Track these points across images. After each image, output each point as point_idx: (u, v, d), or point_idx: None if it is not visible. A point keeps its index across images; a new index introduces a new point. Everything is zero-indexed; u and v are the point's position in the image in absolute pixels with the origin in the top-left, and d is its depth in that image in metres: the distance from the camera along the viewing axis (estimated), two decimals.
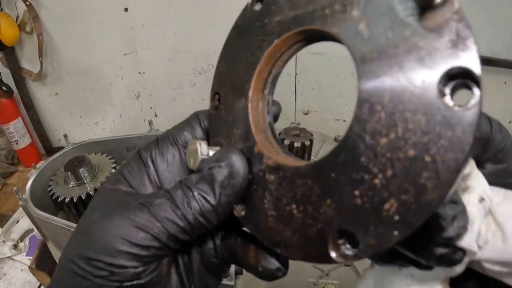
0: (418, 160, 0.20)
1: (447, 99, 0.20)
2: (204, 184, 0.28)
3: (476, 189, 0.28)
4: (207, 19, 1.28)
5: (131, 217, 0.28)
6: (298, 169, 0.26)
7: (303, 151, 0.75)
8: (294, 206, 0.26)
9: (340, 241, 0.24)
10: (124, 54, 1.38)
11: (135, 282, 0.28)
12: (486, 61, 1.34)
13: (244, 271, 0.70)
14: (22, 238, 1.29)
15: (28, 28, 1.38)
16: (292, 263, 0.31)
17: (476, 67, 0.19)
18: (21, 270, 1.21)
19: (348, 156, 0.23)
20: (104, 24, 1.33)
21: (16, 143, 1.53)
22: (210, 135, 0.33)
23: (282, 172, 0.27)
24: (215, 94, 0.33)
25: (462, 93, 0.20)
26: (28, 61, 1.44)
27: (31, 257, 1.21)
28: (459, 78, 0.20)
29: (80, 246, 0.29)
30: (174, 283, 0.33)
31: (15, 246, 1.26)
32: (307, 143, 0.74)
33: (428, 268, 0.30)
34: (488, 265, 0.30)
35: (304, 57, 1.34)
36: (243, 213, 0.30)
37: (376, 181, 0.21)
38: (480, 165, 0.32)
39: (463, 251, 0.28)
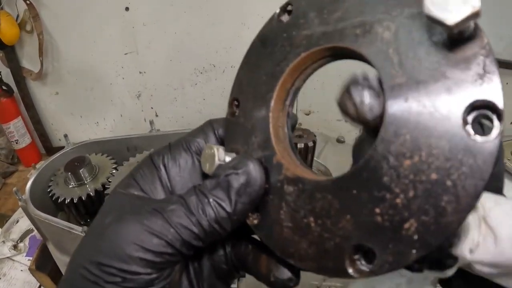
0: (440, 184, 0.21)
1: (469, 128, 0.21)
2: (220, 190, 0.28)
3: None
4: (209, 19, 1.27)
5: (144, 222, 0.27)
6: (318, 183, 0.26)
7: (306, 152, 0.74)
8: (312, 219, 0.26)
9: (356, 257, 0.24)
10: (125, 54, 1.37)
11: None
12: None
13: (246, 274, 0.69)
14: (22, 239, 1.29)
15: (28, 27, 1.37)
16: None
17: (499, 101, 0.20)
18: (21, 270, 1.20)
19: (370, 175, 0.23)
20: (105, 23, 1.32)
21: (16, 143, 1.52)
22: (226, 141, 0.33)
23: (301, 184, 0.27)
24: (234, 100, 0.33)
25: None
26: (29, 61, 1.43)
27: (31, 258, 1.20)
28: (482, 109, 0.21)
29: (92, 251, 0.28)
30: None
31: (15, 247, 1.25)
32: (310, 144, 0.74)
33: (419, 271, 0.31)
34: (479, 267, 0.31)
35: None
36: (255, 221, 0.30)
37: (398, 200, 0.22)
38: None
39: (455, 258, 0.29)
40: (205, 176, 0.31)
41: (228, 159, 0.30)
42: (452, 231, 0.21)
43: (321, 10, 0.28)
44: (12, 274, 1.20)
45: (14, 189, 0.90)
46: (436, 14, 0.20)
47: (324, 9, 0.28)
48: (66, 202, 0.89)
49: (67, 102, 1.52)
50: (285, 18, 0.31)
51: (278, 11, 0.31)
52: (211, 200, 0.28)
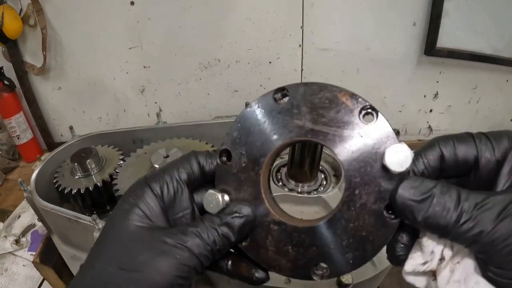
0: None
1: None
2: (227, 228, 0.40)
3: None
4: (214, 14, 1.28)
5: (177, 257, 0.37)
6: (296, 228, 0.40)
7: (315, 147, 0.74)
8: (290, 247, 0.40)
9: (317, 269, 0.40)
10: (129, 48, 1.37)
11: None
12: (488, 59, 1.35)
13: None
14: (23, 234, 1.28)
15: (31, 22, 1.37)
16: None
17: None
18: (23, 265, 1.19)
19: (330, 228, 0.39)
20: (110, 18, 1.32)
21: (18, 138, 1.51)
22: (217, 181, 0.44)
23: (284, 226, 0.40)
24: (225, 151, 0.43)
25: None
26: (31, 55, 1.42)
27: (33, 253, 1.19)
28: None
29: (131, 282, 0.36)
30: None
31: (17, 242, 1.24)
32: None
33: None
34: None
35: (310, 53, 1.34)
36: (244, 244, 0.42)
37: (344, 243, 0.38)
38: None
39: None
40: (203, 210, 0.42)
41: (226, 199, 0.42)
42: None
43: (312, 110, 0.38)
44: (14, 269, 1.19)
45: (19, 179, 0.89)
46: (389, 166, 0.34)
47: (314, 110, 0.38)
48: (72, 193, 0.88)
49: (70, 97, 1.51)
50: (278, 97, 0.40)
51: (274, 90, 0.40)
52: (220, 233, 0.39)
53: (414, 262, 0.37)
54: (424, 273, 0.38)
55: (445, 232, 0.33)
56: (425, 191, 0.33)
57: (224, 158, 0.43)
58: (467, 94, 1.48)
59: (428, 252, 0.37)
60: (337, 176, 0.88)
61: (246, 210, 0.41)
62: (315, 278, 0.40)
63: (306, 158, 0.75)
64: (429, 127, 1.57)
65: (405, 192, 0.33)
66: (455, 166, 0.37)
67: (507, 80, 1.45)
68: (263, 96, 0.41)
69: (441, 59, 1.36)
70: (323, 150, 0.90)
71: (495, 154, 0.35)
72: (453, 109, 1.52)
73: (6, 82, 1.43)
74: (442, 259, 0.37)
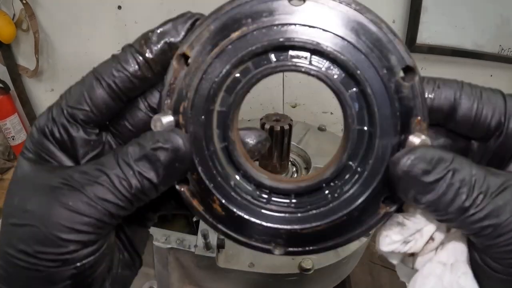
0: None
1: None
2: (147, 163, 0.28)
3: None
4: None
5: (70, 204, 0.27)
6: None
7: (283, 135, 0.79)
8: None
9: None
10: (118, 51, 1.41)
11: (89, 259, 0.29)
12: (470, 54, 1.36)
13: (226, 245, 0.74)
14: None
15: (24, 26, 1.42)
16: None
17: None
18: None
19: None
20: (99, 22, 1.37)
21: (13, 139, 1.56)
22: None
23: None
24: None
25: None
26: (25, 58, 1.48)
27: None
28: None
29: (23, 241, 0.28)
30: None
31: None
32: (286, 127, 0.78)
33: None
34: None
35: None
36: (184, 188, 0.31)
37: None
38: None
39: None
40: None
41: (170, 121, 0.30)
42: None
43: None
44: None
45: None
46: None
47: None
48: None
49: None
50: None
51: None
52: (136, 171, 0.28)
53: (391, 240, 0.31)
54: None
55: (450, 219, 0.27)
56: (439, 171, 0.26)
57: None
58: None
59: (411, 230, 0.30)
60: (308, 168, 0.93)
61: (175, 139, 0.28)
62: (276, 252, 0.32)
63: (274, 151, 0.80)
64: None
65: (414, 164, 0.26)
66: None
67: (491, 75, 1.45)
68: None
69: (422, 55, 1.37)
70: (292, 144, 0.94)
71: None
72: None
73: (0, 85, 1.48)
74: (430, 240, 0.31)
